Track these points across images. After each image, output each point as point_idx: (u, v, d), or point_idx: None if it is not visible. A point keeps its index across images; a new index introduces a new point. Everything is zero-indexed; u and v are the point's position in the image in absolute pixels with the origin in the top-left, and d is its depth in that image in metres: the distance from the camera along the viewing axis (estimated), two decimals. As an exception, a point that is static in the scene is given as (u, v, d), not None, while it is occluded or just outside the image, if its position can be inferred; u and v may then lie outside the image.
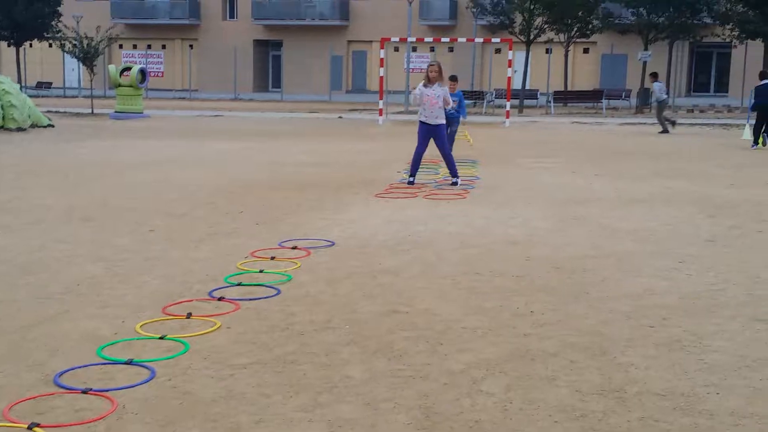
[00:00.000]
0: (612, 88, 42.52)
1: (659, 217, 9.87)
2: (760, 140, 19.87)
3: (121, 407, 4.24)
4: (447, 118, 14.74)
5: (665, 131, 23.98)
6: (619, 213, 10.13)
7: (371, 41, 49.97)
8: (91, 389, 4.44)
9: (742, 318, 5.85)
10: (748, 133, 22.11)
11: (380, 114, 28.50)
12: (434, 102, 12.17)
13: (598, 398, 4.40)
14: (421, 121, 12.44)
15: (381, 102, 28.54)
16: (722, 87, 47.57)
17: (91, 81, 34.29)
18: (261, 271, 7.11)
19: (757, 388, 4.54)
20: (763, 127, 20.09)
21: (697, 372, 4.78)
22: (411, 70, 40.48)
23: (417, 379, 4.65)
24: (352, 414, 4.19)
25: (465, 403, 4.33)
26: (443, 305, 6.13)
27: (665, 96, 24.86)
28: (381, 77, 28.37)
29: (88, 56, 33.22)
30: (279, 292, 6.48)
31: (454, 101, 14.33)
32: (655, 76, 25.10)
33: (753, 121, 22.33)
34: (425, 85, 12.29)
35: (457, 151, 17.29)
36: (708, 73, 48.65)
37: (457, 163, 15.01)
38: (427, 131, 12.41)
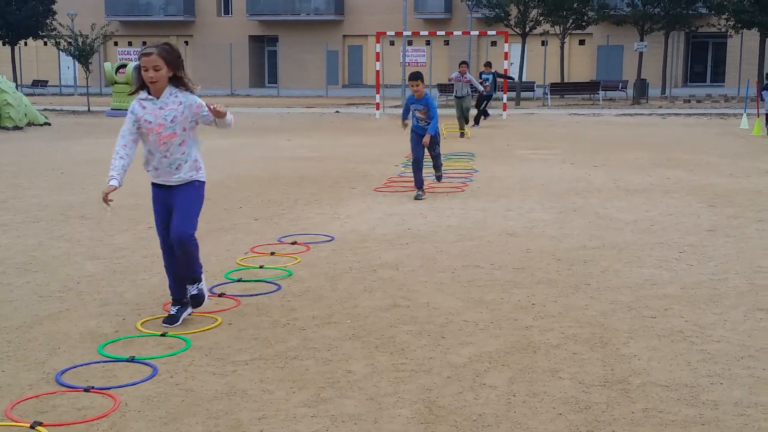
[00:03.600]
0: (608, 79, 42.47)
1: (659, 207, 9.86)
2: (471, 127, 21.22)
3: (124, 405, 4.22)
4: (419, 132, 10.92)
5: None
6: (618, 203, 10.11)
7: (366, 35, 49.94)
8: (93, 387, 4.42)
9: (743, 307, 5.83)
10: (746, 123, 22.11)
11: (377, 108, 28.48)
12: (167, 135, 5.49)
13: (601, 390, 4.39)
14: (153, 184, 5.85)
15: (378, 96, 28.50)
16: (718, 77, 47.58)
17: (87, 79, 34.24)
18: (261, 267, 7.10)
19: (760, 378, 4.52)
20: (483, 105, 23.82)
21: (700, 362, 4.77)
22: (407, 64, 40.37)
23: (419, 373, 4.64)
24: (355, 409, 4.17)
25: (468, 396, 4.32)
26: (444, 299, 6.12)
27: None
28: (377, 71, 28.30)
29: (83, 54, 33.16)
30: (279, 287, 6.46)
31: (420, 110, 10.96)
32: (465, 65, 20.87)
33: (751, 111, 22.32)
34: (143, 102, 5.49)
35: (455, 145, 17.32)
36: (704, 63, 48.65)
37: (455, 157, 14.97)
38: (163, 199, 5.74)
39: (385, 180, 12.38)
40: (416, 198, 10.63)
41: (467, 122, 20.45)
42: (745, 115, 22.96)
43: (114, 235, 8.51)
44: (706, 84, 47.47)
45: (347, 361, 4.84)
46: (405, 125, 11.58)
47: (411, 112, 11.23)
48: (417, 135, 11.08)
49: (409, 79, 10.94)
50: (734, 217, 9.19)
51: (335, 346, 5.10)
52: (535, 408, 4.17)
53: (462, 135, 19.85)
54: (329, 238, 8.27)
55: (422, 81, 10.90)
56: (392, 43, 48.89)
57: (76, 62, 34.74)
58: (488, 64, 25.43)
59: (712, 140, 18.84)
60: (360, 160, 14.96)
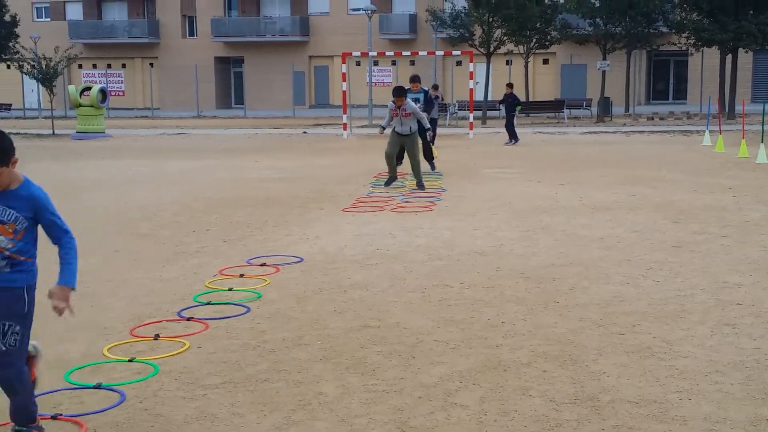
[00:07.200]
0: (572, 97, 42.89)
1: (624, 224, 9.95)
2: None
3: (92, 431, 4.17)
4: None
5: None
6: (584, 221, 10.19)
7: (332, 56, 50.02)
8: (60, 414, 4.36)
9: (710, 323, 5.90)
10: (708, 139, 22.43)
11: (344, 128, 28.50)
12: None
13: (571, 407, 4.41)
14: None
15: (345, 116, 28.54)
16: (680, 94, 48.23)
17: (51, 102, 33.93)
18: (230, 290, 7.05)
19: (728, 393, 4.57)
20: None
21: (669, 378, 4.81)
22: (373, 84, 40.54)
23: (391, 394, 4.63)
24: (327, 431, 4.15)
25: (440, 416, 4.32)
26: (414, 318, 6.12)
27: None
28: (344, 92, 28.38)
29: (47, 77, 32.87)
30: (249, 310, 6.43)
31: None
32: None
33: (714, 127, 22.63)
34: None
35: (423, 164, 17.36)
36: (666, 81, 49.29)
37: (423, 176, 15.03)
38: None
39: (353, 200, 12.39)
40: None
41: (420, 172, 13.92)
42: (707, 131, 23.30)
43: (80, 259, 8.39)
44: (669, 101, 48.08)
45: (318, 383, 4.82)
46: None
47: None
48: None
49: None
50: (699, 233, 9.30)
51: (306, 368, 5.07)
52: (506, 426, 4.18)
53: (388, 183, 13.93)
54: (298, 260, 8.24)
55: (6, 164, 4.16)
56: (358, 63, 49.06)
57: (40, 85, 34.41)
58: (415, 79, 17.04)
59: (675, 157, 19.07)
60: (328, 181, 14.95)
